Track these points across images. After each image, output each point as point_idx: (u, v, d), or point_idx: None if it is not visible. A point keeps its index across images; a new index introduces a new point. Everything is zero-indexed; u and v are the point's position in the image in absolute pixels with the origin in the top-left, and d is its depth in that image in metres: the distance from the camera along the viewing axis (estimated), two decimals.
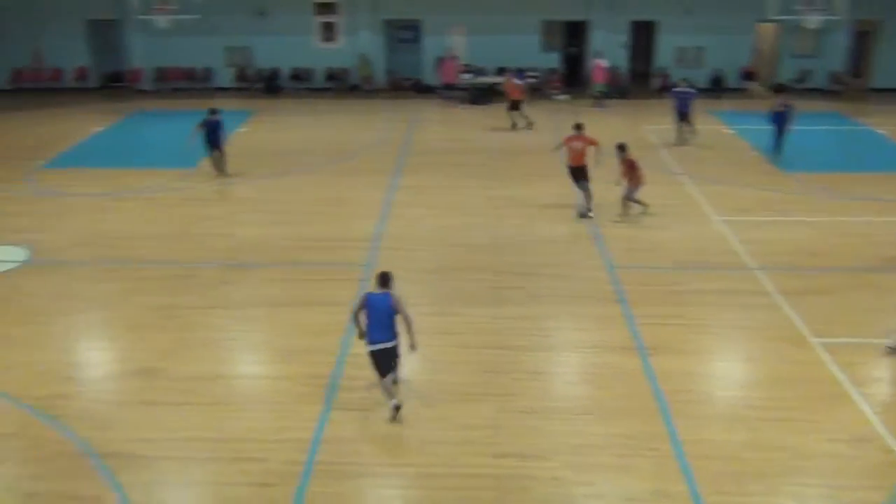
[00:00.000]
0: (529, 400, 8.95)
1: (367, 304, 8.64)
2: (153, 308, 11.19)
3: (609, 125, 20.11)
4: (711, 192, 15.54)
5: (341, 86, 25.02)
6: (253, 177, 16.77)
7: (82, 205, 15.27)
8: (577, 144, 14.16)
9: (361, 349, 9.89)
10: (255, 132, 20.62)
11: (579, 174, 14.25)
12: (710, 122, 20.95)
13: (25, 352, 10.10)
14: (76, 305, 11.37)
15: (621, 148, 13.91)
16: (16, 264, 12.67)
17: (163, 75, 25.51)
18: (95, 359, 10.20)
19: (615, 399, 8.94)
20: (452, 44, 24.27)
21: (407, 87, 24.97)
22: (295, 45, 24.95)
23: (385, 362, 8.57)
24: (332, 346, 10.10)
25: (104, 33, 25.88)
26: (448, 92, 23.14)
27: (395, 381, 8.85)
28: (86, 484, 7.73)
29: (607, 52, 23.70)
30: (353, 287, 11.64)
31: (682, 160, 17.74)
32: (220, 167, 16.47)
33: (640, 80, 25.78)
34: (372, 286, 8.85)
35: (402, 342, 8.60)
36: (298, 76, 25.19)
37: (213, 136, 16.17)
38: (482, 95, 23.44)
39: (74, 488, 7.67)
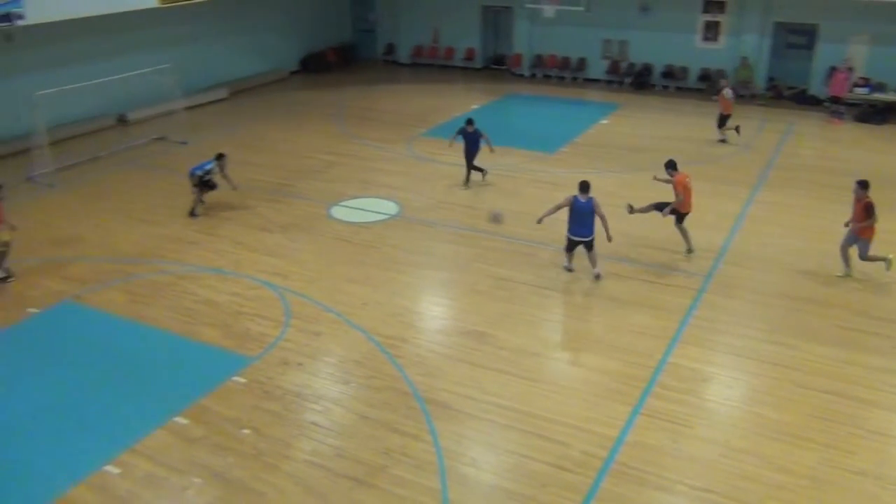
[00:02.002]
0: (866, 461, 7.87)
1: (574, 206, 11.42)
2: (492, 277, 11.94)
3: None
4: None
5: (714, 88, 23.94)
6: (601, 168, 16.88)
7: (447, 172, 16.72)
8: (688, 179, 12.26)
9: (683, 360, 9.62)
10: (614, 125, 20.69)
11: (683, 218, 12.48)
12: None
13: (381, 294, 11.46)
14: (428, 261, 12.58)
15: (863, 185, 11.40)
16: (386, 216, 14.37)
17: (539, 62, 26.69)
18: (435, 313, 11.20)
19: None
20: (850, 53, 21.82)
21: (788, 95, 23.06)
22: (673, 43, 24.38)
23: (585, 248, 11.62)
24: (655, 350, 9.88)
25: (494, 19, 27.85)
26: (834, 105, 20.89)
27: (592, 258, 11.68)
28: (407, 421, 8.59)
29: None
30: (689, 296, 11.23)
31: None
32: (467, 179, 16.06)
33: None
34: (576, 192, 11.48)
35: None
36: (671, 74, 24.63)
37: (471, 147, 15.71)
38: (875, 113, 20.79)
39: (397, 422, 8.57)
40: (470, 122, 15.66)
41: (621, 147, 18.60)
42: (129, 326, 10.68)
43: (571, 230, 11.62)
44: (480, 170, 16.01)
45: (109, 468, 7.90)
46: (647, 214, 12.68)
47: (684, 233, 12.56)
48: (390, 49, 29.32)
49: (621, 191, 15.49)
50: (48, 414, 8.80)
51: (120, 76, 18.29)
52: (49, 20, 17.03)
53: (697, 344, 10.05)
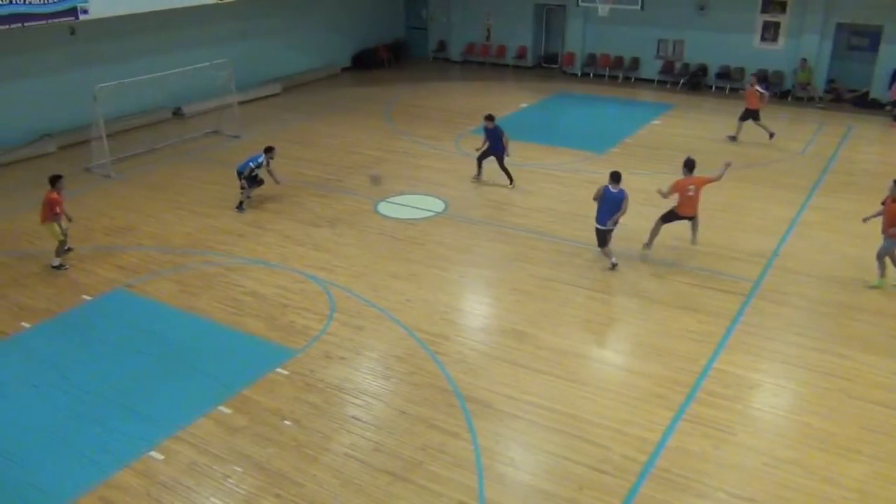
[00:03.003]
0: None
1: (606, 196, 11.74)
2: (535, 277, 11.88)
3: None
4: None
5: (771, 90, 23.35)
6: (652, 170, 16.63)
7: (495, 171, 16.59)
8: (692, 188, 11.99)
9: (728, 366, 9.45)
10: (666, 126, 20.37)
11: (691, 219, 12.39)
12: None
13: (424, 290, 11.50)
14: (472, 259, 12.57)
15: None
16: (432, 214, 14.40)
17: (592, 61, 26.41)
18: (478, 311, 11.18)
19: None
20: None
21: (847, 98, 22.41)
22: (729, 43, 23.88)
23: (605, 237, 11.91)
24: (699, 356, 9.71)
25: (548, 18, 27.67)
26: None
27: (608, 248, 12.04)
28: (447, 418, 8.60)
29: None
30: (737, 301, 11.00)
31: None
32: (509, 177, 15.81)
33: None
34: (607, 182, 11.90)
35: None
36: (726, 75, 24.13)
37: (493, 144, 15.48)
38: None
39: (437, 418, 8.59)
40: (488, 117, 15.49)
41: (673, 148, 18.27)
42: (178, 316, 10.91)
43: (600, 220, 11.86)
44: (479, 168, 15.91)
45: (154, 454, 8.09)
46: (669, 225, 12.46)
47: (655, 230, 12.36)
48: (442, 46, 29.37)
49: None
50: (97, 398, 9.05)
51: (177, 71, 18.69)
52: (111, 15, 17.48)
53: (744, 350, 9.84)
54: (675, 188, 12.08)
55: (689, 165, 12.22)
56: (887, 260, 11.33)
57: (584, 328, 10.54)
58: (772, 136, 18.42)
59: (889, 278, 11.43)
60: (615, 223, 11.93)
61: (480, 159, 15.87)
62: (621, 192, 11.74)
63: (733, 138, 18.72)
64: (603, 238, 11.99)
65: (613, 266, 12.01)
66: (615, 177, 11.82)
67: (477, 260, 12.56)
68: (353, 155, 18.02)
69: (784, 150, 18.13)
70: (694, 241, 12.55)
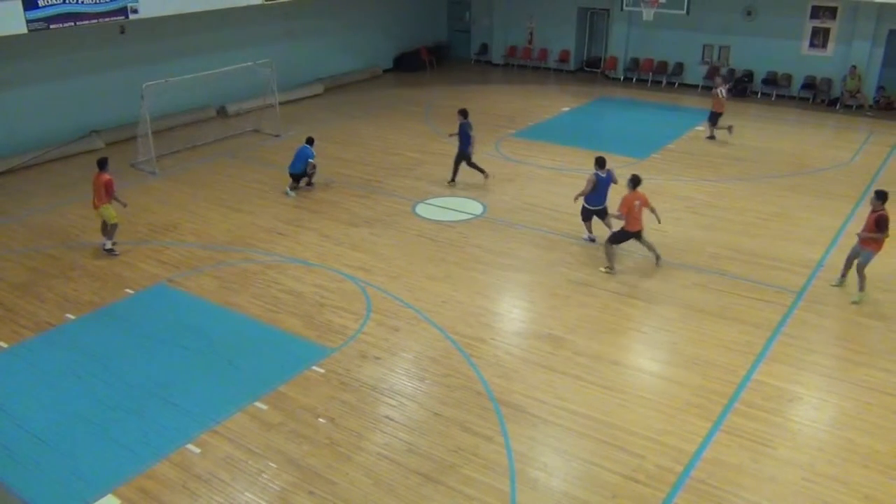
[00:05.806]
0: None
1: (599, 182, 12.51)
2: (574, 282, 11.80)
3: None
4: None
5: (819, 97, 22.92)
6: (694, 177, 16.42)
7: (535, 174, 16.62)
8: (637, 203, 11.86)
9: (769, 377, 9.28)
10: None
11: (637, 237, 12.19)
12: None
13: (461, 293, 11.49)
14: (510, 263, 12.53)
15: (880, 196, 10.72)
16: (471, 216, 14.40)
17: (635, 66, 26.17)
18: (515, 315, 11.12)
19: None
20: None
21: None
22: (777, 49, 23.45)
23: (597, 216, 12.82)
24: (739, 366, 9.54)
25: (591, 21, 27.50)
26: None
27: (608, 222, 12.79)
28: (480, 421, 8.58)
29: None
30: (779, 312, 10.80)
31: None
32: (454, 175, 15.98)
33: None
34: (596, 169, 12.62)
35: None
36: (773, 81, 23.70)
37: (462, 139, 15.62)
38: None
39: (470, 421, 8.58)
40: (461, 112, 15.74)
41: (716, 155, 18.05)
42: (218, 311, 11.07)
43: (591, 202, 12.74)
44: (479, 170, 15.89)
45: (191, 447, 8.21)
46: (706, 234, 12.26)
47: (609, 253, 12.14)
48: (484, 49, 29.36)
49: (716, 201, 15.05)
50: (137, 390, 9.22)
51: (221, 70, 18.95)
52: (161, 14, 17.79)
53: (785, 362, 9.65)
54: (624, 204, 11.79)
55: (635, 181, 11.86)
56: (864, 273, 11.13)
57: (622, 335, 10.43)
58: (711, 138, 19.20)
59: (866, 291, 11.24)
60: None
61: (472, 164, 15.85)
62: (609, 173, 12.64)
63: (711, 138, 19.24)
64: (591, 217, 12.92)
65: (591, 240, 13.12)
66: (601, 162, 12.62)
67: (514, 263, 12.53)
68: (393, 156, 18.10)
69: (832, 159, 17.75)
70: (658, 259, 12.24)
